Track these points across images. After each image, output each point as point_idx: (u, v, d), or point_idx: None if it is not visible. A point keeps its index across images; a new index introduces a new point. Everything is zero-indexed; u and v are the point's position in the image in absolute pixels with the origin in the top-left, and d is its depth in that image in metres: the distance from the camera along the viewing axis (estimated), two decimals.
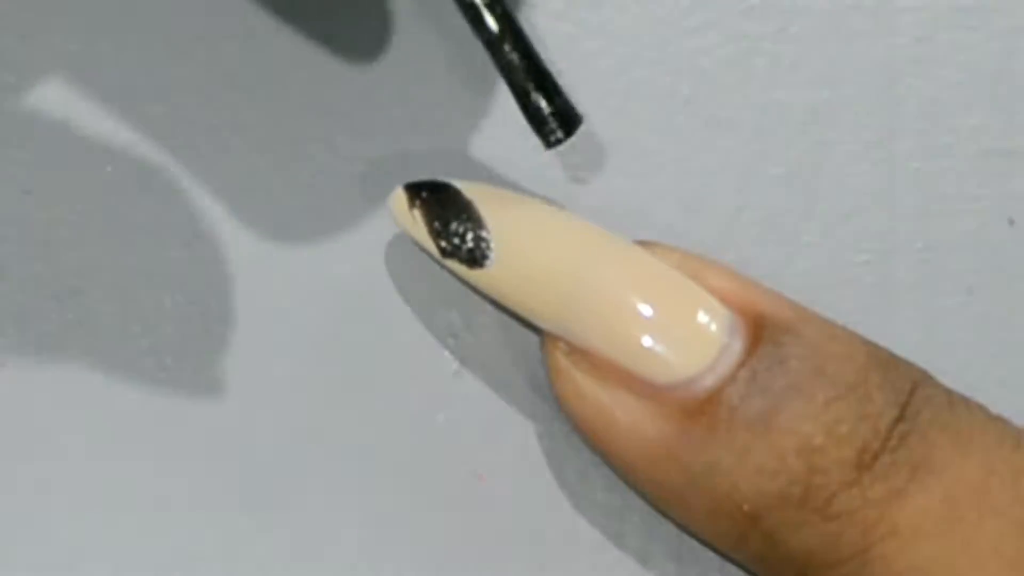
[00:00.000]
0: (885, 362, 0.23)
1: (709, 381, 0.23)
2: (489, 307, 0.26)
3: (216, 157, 0.26)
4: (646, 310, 0.23)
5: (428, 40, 0.26)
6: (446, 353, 0.26)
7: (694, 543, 0.25)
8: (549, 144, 0.23)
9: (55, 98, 0.26)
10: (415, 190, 0.25)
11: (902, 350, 0.25)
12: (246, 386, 0.26)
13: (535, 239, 0.24)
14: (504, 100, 0.26)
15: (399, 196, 0.25)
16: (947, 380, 0.24)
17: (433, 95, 0.26)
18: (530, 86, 0.23)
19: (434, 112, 0.26)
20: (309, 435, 0.26)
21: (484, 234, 0.24)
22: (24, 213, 0.26)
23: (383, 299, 0.26)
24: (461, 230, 0.24)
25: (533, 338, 0.26)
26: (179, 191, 0.26)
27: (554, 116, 0.23)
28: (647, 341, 0.23)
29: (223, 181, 0.26)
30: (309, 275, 0.26)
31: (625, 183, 0.26)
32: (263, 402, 0.26)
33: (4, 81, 0.26)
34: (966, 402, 0.23)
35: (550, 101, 0.23)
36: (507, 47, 0.23)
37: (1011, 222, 0.26)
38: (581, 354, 0.24)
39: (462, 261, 0.24)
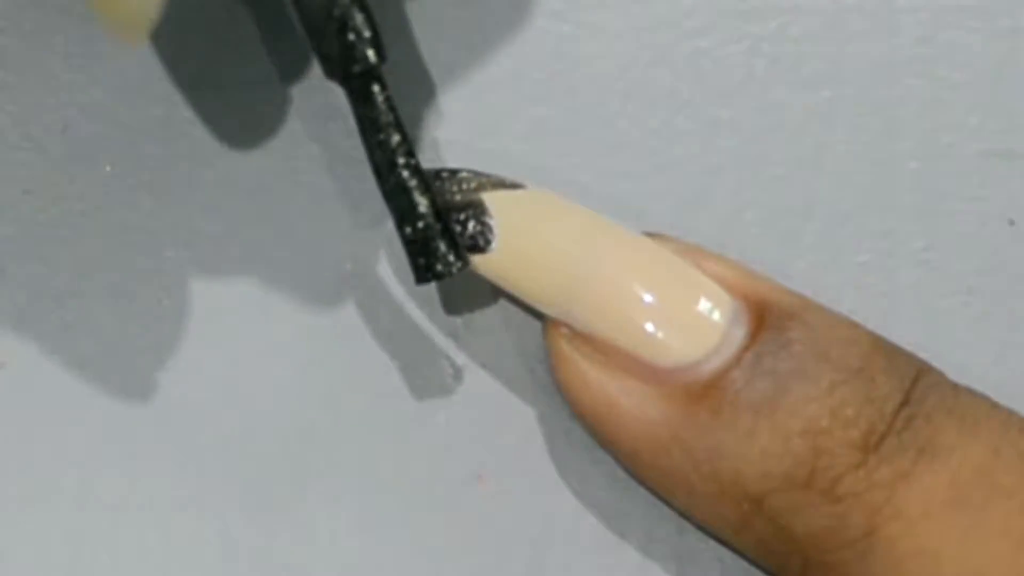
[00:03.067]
0: (889, 349, 0.23)
1: (713, 364, 0.23)
2: (489, 308, 0.26)
3: (216, 157, 0.26)
4: (649, 295, 0.23)
5: (427, 40, 0.26)
6: (446, 353, 0.26)
7: (694, 543, 0.25)
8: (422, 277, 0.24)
9: (55, 98, 0.26)
10: None
11: None
12: (245, 386, 0.26)
13: (538, 224, 0.24)
14: (506, 98, 0.26)
15: None
16: None
17: (434, 91, 0.26)
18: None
19: (434, 109, 0.26)
20: (309, 435, 0.25)
21: (487, 219, 0.24)
22: (24, 213, 0.26)
23: (384, 299, 0.26)
24: (464, 216, 0.24)
25: (533, 338, 0.26)
26: (179, 191, 0.26)
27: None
28: (650, 326, 0.23)
29: (222, 181, 0.26)
30: (308, 274, 0.26)
31: (625, 183, 0.26)
32: (263, 402, 0.26)
33: (4, 81, 0.26)
34: (970, 390, 0.24)
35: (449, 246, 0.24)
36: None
37: (1011, 222, 0.26)
38: (584, 339, 0.24)
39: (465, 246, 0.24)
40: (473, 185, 0.24)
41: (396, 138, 0.24)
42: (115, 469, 0.26)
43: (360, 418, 0.26)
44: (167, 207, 0.26)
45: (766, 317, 0.23)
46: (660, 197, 0.26)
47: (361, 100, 0.24)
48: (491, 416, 0.26)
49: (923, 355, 0.24)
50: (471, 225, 0.24)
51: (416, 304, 0.26)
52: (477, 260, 0.24)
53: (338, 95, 0.26)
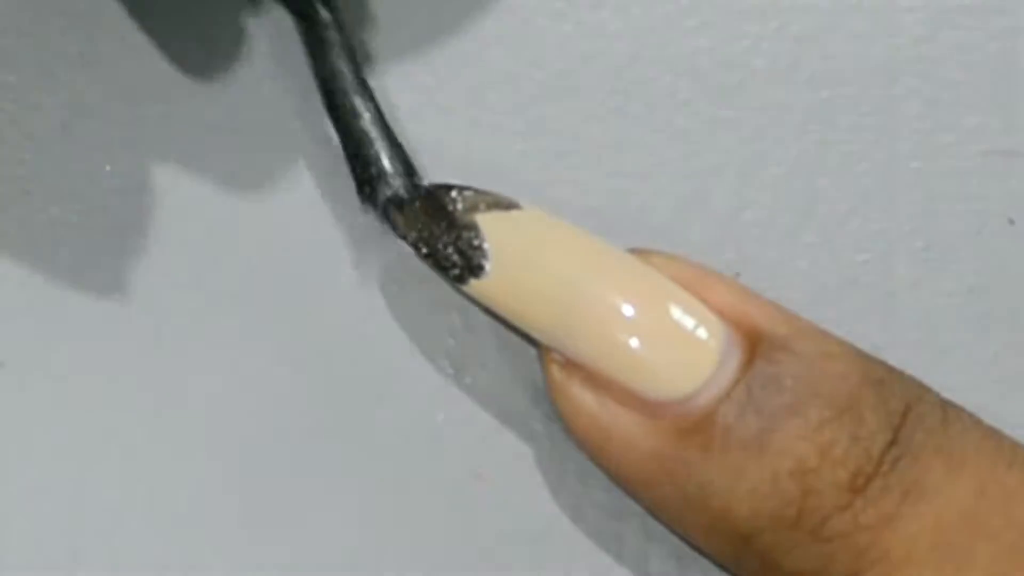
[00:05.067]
0: (880, 380, 0.23)
1: (703, 399, 0.23)
2: None
3: (216, 157, 0.26)
4: (641, 326, 0.23)
5: (427, 38, 0.26)
6: (446, 353, 0.26)
7: None
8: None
9: (55, 98, 0.26)
10: None
11: (902, 350, 0.25)
12: (246, 386, 0.26)
13: (531, 249, 0.24)
14: (506, 98, 0.26)
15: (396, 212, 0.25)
16: (947, 380, 0.24)
17: (434, 90, 0.26)
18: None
19: (434, 109, 0.26)
20: (309, 435, 0.26)
21: (482, 244, 0.24)
22: (24, 213, 0.26)
23: (383, 299, 0.26)
24: (458, 240, 0.24)
25: None
26: (179, 190, 0.26)
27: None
28: (641, 357, 0.23)
29: (223, 181, 0.26)
30: (309, 274, 0.26)
31: (625, 183, 0.26)
32: (263, 402, 0.26)
33: (4, 81, 0.26)
34: (960, 419, 0.23)
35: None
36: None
37: (1011, 222, 0.26)
38: (577, 367, 0.24)
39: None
40: (467, 204, 0.24)
41: (342, 56, 0.24)
42: (114, 468, 0.26)
43: (359, 417, 0.26)
44: (167, 206, 0.26)
45: (758, 346, 0.23)
46: (660, 196, 0.26)
47: (309, 22, 0.24)
48: (490, 415, 0.26)
49: (923, 355, 0.24)
50: (466, 250, 0.24)
51: (416, 304, 0.26)
52: (472, 285, 0.24)
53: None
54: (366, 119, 0.23)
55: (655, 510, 0.24)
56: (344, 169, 0.26)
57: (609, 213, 0.26)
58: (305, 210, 0.26)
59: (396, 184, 0.24)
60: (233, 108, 0.26)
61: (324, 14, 0.24)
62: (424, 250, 0.24)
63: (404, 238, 0.24)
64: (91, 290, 0.26)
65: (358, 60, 0.24)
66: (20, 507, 0.25)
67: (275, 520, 0.25)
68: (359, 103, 0.23)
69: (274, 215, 0.26)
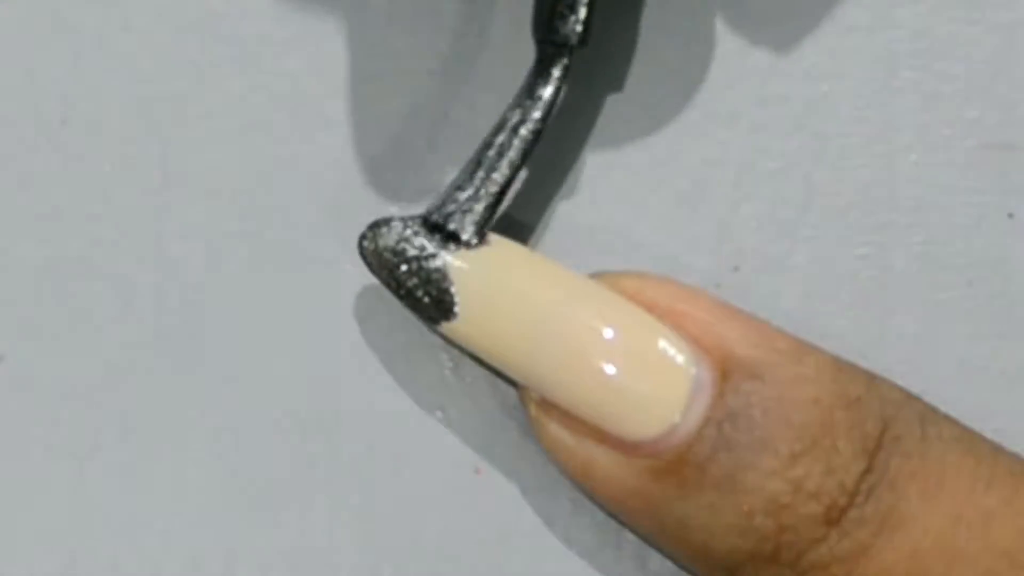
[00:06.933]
0: (855, 400, 0.23)
1: (675, 439, 0.23)
2: None
3: (218, 156, 0.26)
4: (609, 364, 0.23)
5: (430, 37, 0.26)
6: (444, 349, 0.26)
7: None
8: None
9: (55, 98, 0.26)
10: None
11: (900, 344, 0.25)
12: (246, 384, 0.26)
13: (498, 291, 0.24)
14: (496, 94, 0.26)
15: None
16: (945, 374, 0.24)
17: (434, 91, 0.26)
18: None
19: (437, 108, 0.26)
20: (307, 431, 0.26)
21: (450, 288, 0.24)
22: (24, 209, 0.26)
23: (382, 294, 0.26)
24: (427, 285, 0.24)
25: None
26: (179, 189, 0.26)
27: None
28: (610, 399, 0.23)
29: (223, 178, 0.26)
30: (308, 273, 0.26)
31: (623, 176, 0.26)
32: (262, 397, 0.26)
33: (5, 82, 0.26)
34: (940, 435, 0.23)
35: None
36: None
37: (1010, 215, 0.26)
38: (553, 405, 0.24)
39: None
40: (435, 244, 0.24)
41: (537, 115, 0.24)
42: (113, 463, 0.26)
43: (358, 413, 0.26)
44: (168, 204, 0.26)
45: (730, 375, 0.23)
46: (658, 189, 0.26)
47: (540, 68, 0.24)
48: (489, 410, 0.26)
49: (922, 349, 0.24)
50: (434, 292, 0.24)
51: None
52: (444, 327, 0.24)
53: (329, 90, 0.26)
54: (501, 175, 0.24)
55: (642, 538, 0.25)
56: (343, 168, 0.26)
57: (607, 206, 0.26)
58: (304, 208, 0.26)
59: (463, 225, 0.24)
60: (234, 107, 0.26)
61: (557, 72, 0.24)
62: (396, 291, 0.24)
63: (377, 277, 0.24)
64: (91, 284, 0.26)
65: (543, 128, 0.24)
66: (19, 502, 0.25)
67: (274, 516, 0.25)
68: (510, 159, 0.24)
69: (274, 212, 0.26)
